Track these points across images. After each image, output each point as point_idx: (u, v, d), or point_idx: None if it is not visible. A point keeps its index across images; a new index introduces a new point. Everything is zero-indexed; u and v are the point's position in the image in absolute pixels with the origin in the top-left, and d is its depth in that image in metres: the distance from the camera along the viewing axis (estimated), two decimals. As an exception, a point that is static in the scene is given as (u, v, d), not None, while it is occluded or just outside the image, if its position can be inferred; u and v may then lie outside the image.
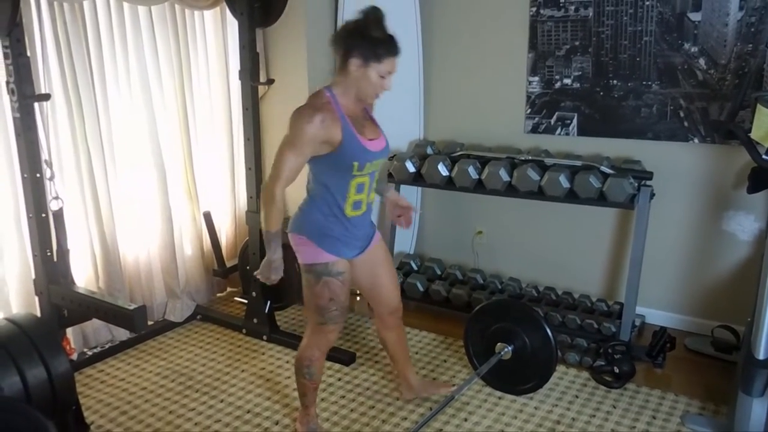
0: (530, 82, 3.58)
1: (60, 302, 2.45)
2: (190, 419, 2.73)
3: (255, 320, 3.45)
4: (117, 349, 3.29)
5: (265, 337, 3.41)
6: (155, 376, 3.07)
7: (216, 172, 3.83)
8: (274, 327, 3.46)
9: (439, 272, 3.84)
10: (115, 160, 3.22)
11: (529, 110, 3.62)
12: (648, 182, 3.13)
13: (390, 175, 3.62)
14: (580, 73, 3.43)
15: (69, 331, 2.96)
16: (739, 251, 3.21)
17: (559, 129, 3.56)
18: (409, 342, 3.38)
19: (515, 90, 3.63)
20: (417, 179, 3.60)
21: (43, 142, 2.58)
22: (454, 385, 2.86)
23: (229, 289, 4.03)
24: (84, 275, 3.17)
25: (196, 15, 3.52)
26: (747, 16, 2.98)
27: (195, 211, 3.70)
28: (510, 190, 3.40)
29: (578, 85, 3.45)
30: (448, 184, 3.53)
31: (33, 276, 2.49)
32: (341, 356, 3.18)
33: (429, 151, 3.74)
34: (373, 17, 2.12)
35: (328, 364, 3.12)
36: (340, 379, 3.03)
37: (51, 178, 2.55)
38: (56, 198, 2.51)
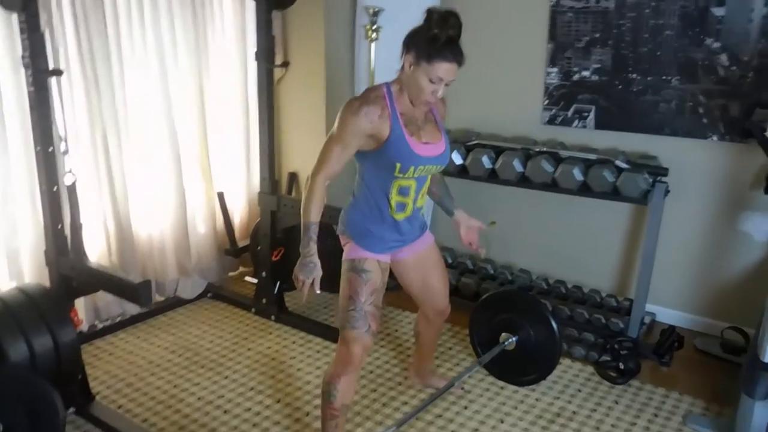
0: (548, 74, 3.54)
1: (69, 274, 2.49)
2: (194, 393, 2.77)
3: (264, 300, 3.49)
4: (127, 323, 3.35)
5: (273, 317, 3.45)
6: (163, 351, 3.13)
7: (231, 153, 3.87)
8: (283, 308, 3.49)
9: (449, 261, 3.83)
10: (130, 138, 3.26)
11: (546, 101, 3.59)
12: (663, 178, 3.08)
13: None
14: (599, 65, 3.38)
15: (79, 302, 3.03)
16: (754, 253, 3.15)
17: (576, 121, 3.52)
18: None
19: (533, 81, 3.59)
20: (430, 167, 3.59)
21: (59, 118, 2.63)
22: (464, 389, 2.82)
23: (240, 269, 4.08)
24: (97, 251, 3.23)
25: (215, -5, 3.54)
26: (773, 11, 2.90)
27: (209, 190, 3.74)
28: (523, 181, 3.37)
29: (597, 77, 3.40)
30: (462, 173, 3.51)
31: (44, 248, 2.55)
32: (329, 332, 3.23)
33: (444, 139, 3.72)
34: (438, 16, 1.96)
35: (325, 342, 3.15)
36: (343, 363, 3.05)
37: (65, 153, 2.60)
38: (70, 172, 2.55)
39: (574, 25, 3.41)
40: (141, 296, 2.24)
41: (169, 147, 3.41)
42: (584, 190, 3.20)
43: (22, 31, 2.25)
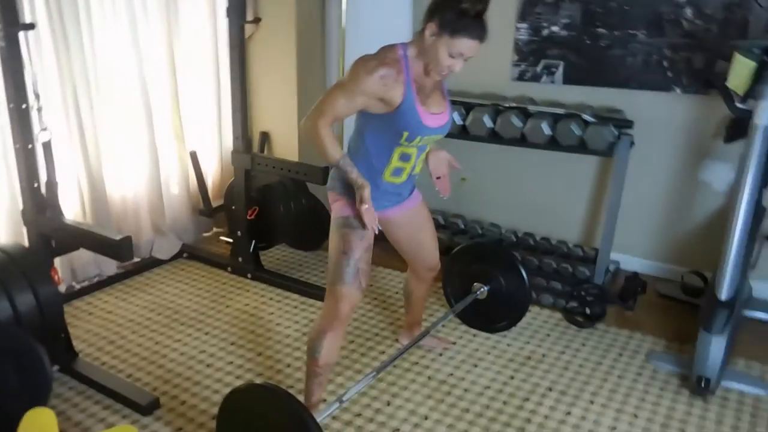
0: (518, 29, 3.59)
1: (48, 232, 2.50)
2: (175, 349, 2.82)
3: (240, 259, 3.53)
4: (105, 283, 3.37)
5: (249, 275, 3.50)
6: (142, 310, 3.16)
7: (203, 113, 3.84)
8: (259, 266, 3.54)
9: (422, 217, 3.91)
10: (101, 97, 3.22)
11: (516, 58, 3.64)
12: (628, 131, 3.19)
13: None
14: (569, 20, 3.44)
15: (57, 262, 3.03)
16: (714, 200, 3.30)
17: (544, 77, 3.59)
18: (390, 283, 3.48)
19: (503, 37, 3.63)
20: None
21: (30, 74, 2.58)
22: (454, 342, 2.89)
23: (215, 229, 4.10)
24: (72, 211, 3.21)
25: (182, -50, 3.48)
26: (734, -35, 2.99)
27: (182, 150, 3.73)
28: (493, 137, 3.45)
29: (566, 33, 3.46)
30: (433, 129, 3.56)
31: (21, 207, 2.54)
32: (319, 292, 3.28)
33: (415, 96, 3.76)
34: None
35: (302, 298, 3.22)
36: (322, 316, 3.13)
37: (39, 110, 2.56)
38: (44, 130, 2.53)
39: (543, -19, 3.45)
40: (123, 252, 2.26)
41: (140, 106, 3.38)
42: (552, 143, 3.30)
43: (-11, -14, 2.21)
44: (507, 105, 3.44)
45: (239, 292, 3.37)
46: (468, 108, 3.49)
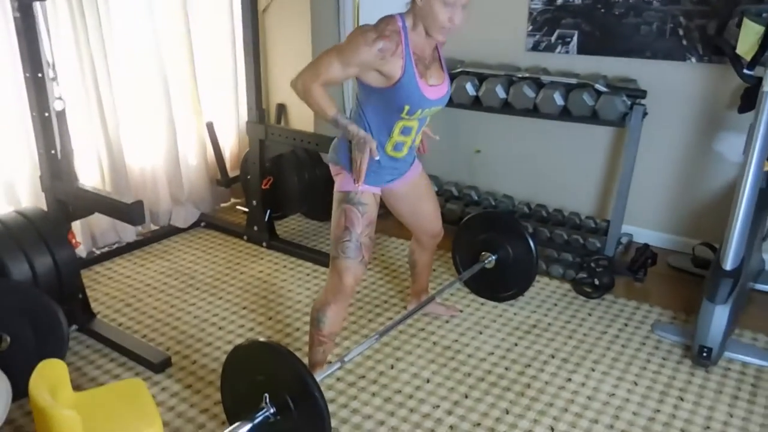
0: (533, -1, 3.56)
1: (64, 198, 2.59)
2: (189, 312, 2.92)
3: (255, 228, 3.61)
4: (123, 249, 3.48)
5: (264, 244, 3.58)
6: (159, 275, 3.26)
7: (220, 85, 3.91)
8: (274, 235, 3.61)
9: (435, 189, 3.92)
10: (119, 69, 3.30)
11: (530, 27, 3.61)
12: (641, 101, 3.15)
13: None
14: (583, -11, 3.39)
15: (77, 230, 3.15)
16: (727, 172, 3.25)
17: (559, 47, 3.55)
18: (398, 251, 3.53)
19: (517, 6, 3.60)
20: (415, 95, 3.64)
21: (46, 44, 2.67)
22: (461, 310, 2.92)
23: (232, 200, 4.18)
24: (92, 180, 3.32)
25: None
26: (754, -70, 2.90)
27: (198, 122, 3.80)
28: (506, 108, 3.44)
29: (580, 1, 3.42)
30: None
31: (39, 173, 2.64)
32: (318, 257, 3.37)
33: (429, 67, 3.76)
34: None
35: (315, 266, 3.29)
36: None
37: (54, 79, 2.65)
38: (59, 98, 2.61)
39: (557, -51, 3.41)
40: (134, 215, 2.34)
41: (158, 77, 3.45)
42: (565, 114, 3.28)
43: (3, -43, 2.28)
44: (520, 75, 3.42)
45: (254, 259, 3.45)
46: (482, 79, 3.49)
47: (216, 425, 2.20)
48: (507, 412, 2.27)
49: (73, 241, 2.61)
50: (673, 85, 3.27)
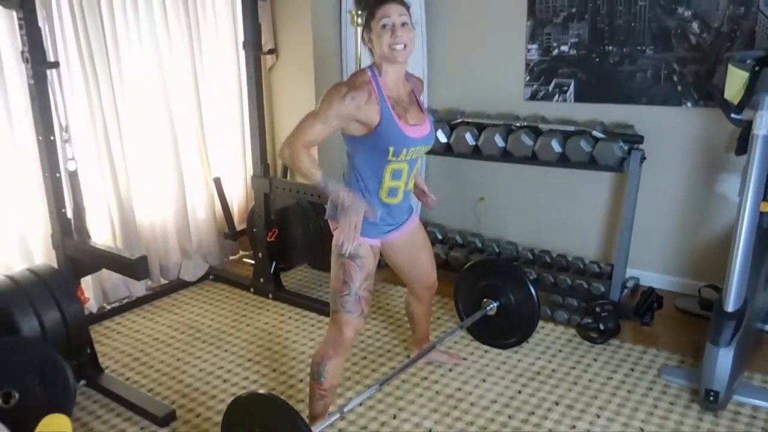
0: (529, 50, 3.65)
1: (73, 254, 2.67)
2: (195, 365, 2.95)
3: (261, 279, 3.66)
4: (133, 304, 3.54)
5: (270, 295, 3.62)
6: (167, 329, 3.31)
7: (228, 140, 4.03)
8: (279, 286, 3.65)
9: (440, 237, 3.97)
10: (130, 128, 3.43)
11: (528, 78, 3.70)
12: (639, 146, 3.19)
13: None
14: (577, 39, 3.49)
15: (87, 285, 3.22)
16: (730, 213, 3.22)
17: (557, 96, 3.63)
18: (401, 300, 3.52)
19: (515, 58, 3.71)
20: (417, 146, 3.72)
21: (61, 108, 2.80)
22: (465, 358, 2.92)
23: (241, 252, 4.25)
24: (103, 236, 3.41)
25: (205, -14, 3.70)
26: (739, -21, 3.00)
27: (207, 176, 3.91)
28: (506, 156, 3.50)
29: (575, 51, 3.51)
30: (447, 150, 3.65)
31: (50, 231, 2.73)
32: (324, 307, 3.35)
33: (430, 118, 3.86)
34: None
35: (320, 317, 3.31)
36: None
37: (67, 141, 2.77)
38: (71, 159, 2.73)
39: (551, 1, 3.52)
40: (138, 270, 2.41)
41: (167, 135, 3.58)
42: (563, 161, 3.33)
43: (20, 27, 2.42)
44: (519, 124, 3.50)
45: (260, 311, 3.49)
46: (481, 128, 3.56)
47: (217, 479, 2.20)
48: (510, 462, 2.25)
49: (82, 297, 2.68)
50: (671, 130, 3.32)
